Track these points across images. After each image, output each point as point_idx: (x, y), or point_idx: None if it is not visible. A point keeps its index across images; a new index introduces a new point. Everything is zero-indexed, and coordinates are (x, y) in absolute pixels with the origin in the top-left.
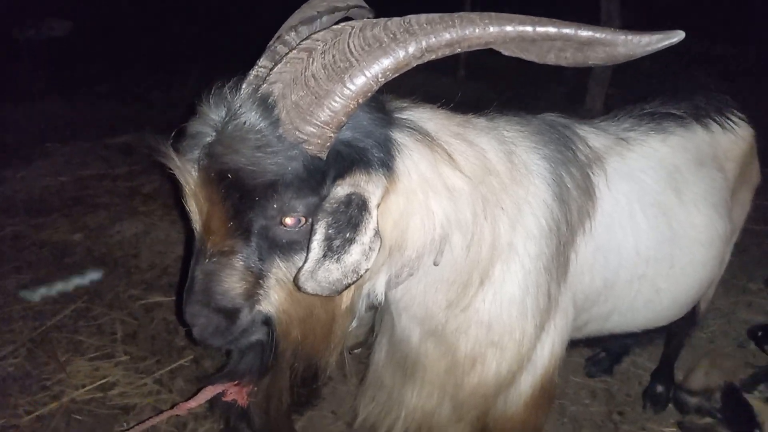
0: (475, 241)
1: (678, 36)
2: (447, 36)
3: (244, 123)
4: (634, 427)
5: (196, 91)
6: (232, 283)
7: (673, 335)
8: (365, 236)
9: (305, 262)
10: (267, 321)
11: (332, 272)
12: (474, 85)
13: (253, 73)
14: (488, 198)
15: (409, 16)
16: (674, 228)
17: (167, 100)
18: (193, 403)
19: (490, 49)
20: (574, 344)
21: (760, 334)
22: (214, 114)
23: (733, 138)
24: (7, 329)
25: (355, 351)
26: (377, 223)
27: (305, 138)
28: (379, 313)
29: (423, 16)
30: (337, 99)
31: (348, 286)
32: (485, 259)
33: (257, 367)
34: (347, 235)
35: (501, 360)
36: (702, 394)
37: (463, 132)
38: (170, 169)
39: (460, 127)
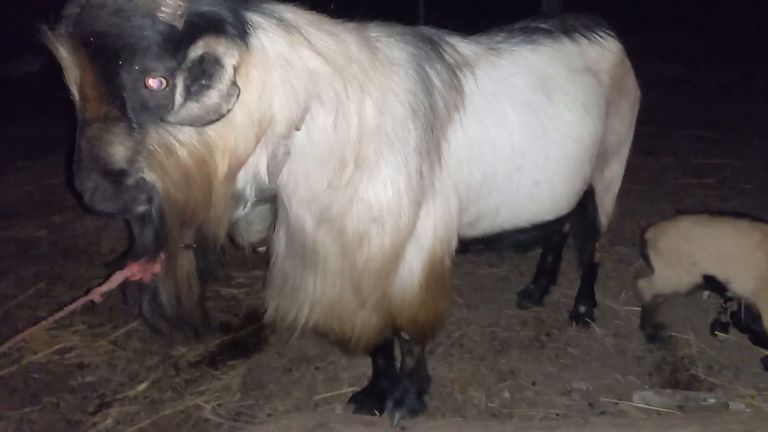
0: (341, 120)
1: None
2: None
3: None
4: (559, 344)
5: None
6: (114, 147)
7: (580, 250)
8: (221, 84)
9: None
10: (151, 190)
11: (193, 109)
12: None
13: None
14: (351, 81)
15: None
16: (545, 124)
17: None
18: (105, 287)
19: None
20: (471, 243)
21: None
22: None
23: (600, 50)
24: None
25: (260, 249)
26: (234, 77)
27: (157, 5)
28: (275, 206)
29: None
30: None
31: (210, 122)
32: (354, 139)
33: (152, 239)
34: (203, 82)
35: (383, 234)
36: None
37: (325, 26)
38: (47, 45)
39: (323, 23)
